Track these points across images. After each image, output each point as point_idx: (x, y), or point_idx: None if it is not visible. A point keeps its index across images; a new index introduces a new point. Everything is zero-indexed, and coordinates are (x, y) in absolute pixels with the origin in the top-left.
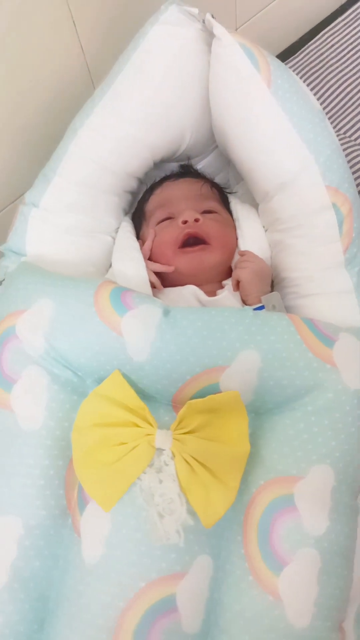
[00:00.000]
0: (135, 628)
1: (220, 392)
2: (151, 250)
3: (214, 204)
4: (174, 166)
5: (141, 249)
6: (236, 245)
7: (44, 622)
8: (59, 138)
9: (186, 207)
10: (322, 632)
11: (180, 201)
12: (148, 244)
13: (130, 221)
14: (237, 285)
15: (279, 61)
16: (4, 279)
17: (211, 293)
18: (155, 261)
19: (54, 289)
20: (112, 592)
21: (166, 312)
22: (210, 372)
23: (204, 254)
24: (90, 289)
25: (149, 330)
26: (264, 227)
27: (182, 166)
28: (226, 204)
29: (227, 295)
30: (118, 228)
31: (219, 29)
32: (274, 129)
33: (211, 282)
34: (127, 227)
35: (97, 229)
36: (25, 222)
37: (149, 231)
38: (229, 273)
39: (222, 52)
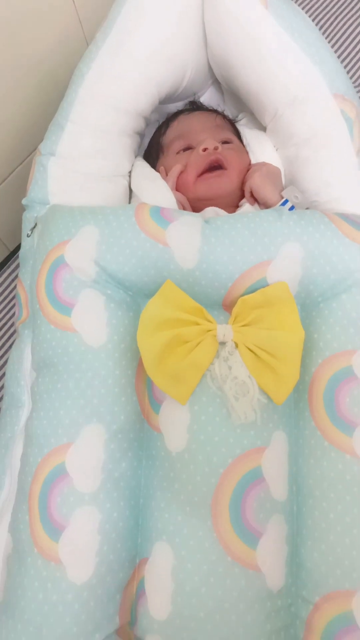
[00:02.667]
0: (230, 499)
1: (268, 285)
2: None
3: (229, 134)
4: (176, 107)
5: (168, 180)
6: (250, 166)
7: (138, 518)
8: (55, 91)
9: (205, 137)
10: None
11: (199, 132)
12: (176, 170)
13: (143, 160)
14: (252, 196)
15: None
16: (35, 225)
17: (231, 212)
18: (176, 189)
19: (93, 216)
20: (203, 471)
21: (207, 220)
22: (257, 268)
23: (222, 179)
24: (129, 211)
25: (194, 237)
26: (274, 147)
27: (191, 102)
28: (237, 133)
29: (247, 208)
30: (130, 171)
31: None
32: (277, 47)
33: (229, 205)
34: (143, 164)
35: (115, 172)
36: (45, 172)
37: (169, 161)
38: (244, 195)
39: None
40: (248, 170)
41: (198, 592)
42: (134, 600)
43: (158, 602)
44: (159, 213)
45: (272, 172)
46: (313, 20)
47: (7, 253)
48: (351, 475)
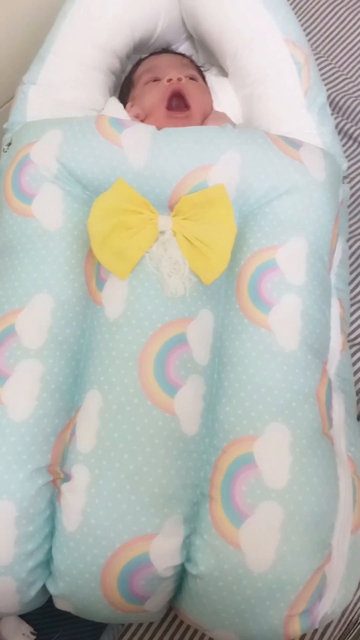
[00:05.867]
0: (156, 355)
1: (208, 187)
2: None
3: (194, 72)
4: None
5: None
6: (211, 109)
7: (77, 378)
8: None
9: (171, 70)
10: (308, 355)
11: (166, 67)
12: (136, 109)
13: (116, 99)
14: None
15: None
16: (10, 142)
17: None
18: (144, 120)
19: (59, 122)
20: (134, 333)
21: (156, 129)
22: (199, 170)
23: (189, 121)
24: (91, 119)
25: (145, 140)
26: (234, 89)
27: (163, 49)
28: (203, 78)
29: None
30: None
31: None
32: None
33: None
34: (114, 103)
35: (88, 105)
36: (25, 99)
37: (138, 91)
38: None
39: None
40: (210, 108)
41: (119, 428)
42: (67, 444)
43: (84, 437)
44: (117, 121)
45: (221, 117)
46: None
47: None
48: (264, 345)
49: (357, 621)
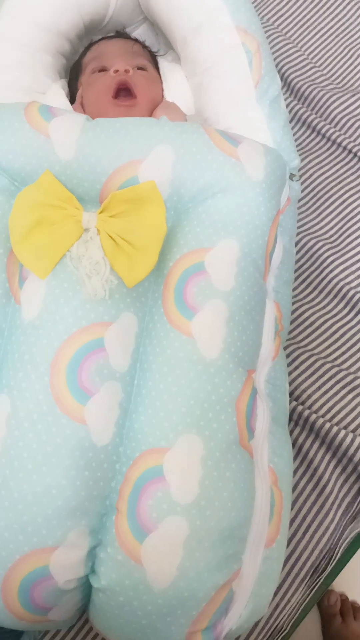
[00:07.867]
0: (69, 361)
1: (139, 183)
2: (86, 101)
3: (144, 61)
4: None
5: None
6: (162, 98)
7: None
8: None
9: (119, 61)
10: (230, 364)
11: (114, 56)
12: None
13: (64, 82)
14: None
15: None
16: None
17: None
18: (89, 110)
19: None
20: (48, 336)
21: (89, 119)
22: (129, 165)
23: (134, 110)
24: (21, 105)
25: (74, 130)
26: (186, 77)
27: (117, 32)
28: (155, 65)
29: None
30: None
31: None
32: None
33: None
34: (56, 88)
35: (35, 88)
36: None
37: (86, 79)
38: None
39: None
40: (159, 99)
41: (25, 437)
42: None
43: None
44: (47, 109)
45: (170, 107)
46: None
47: None
48: (184, 353)
49: (281, 628)
